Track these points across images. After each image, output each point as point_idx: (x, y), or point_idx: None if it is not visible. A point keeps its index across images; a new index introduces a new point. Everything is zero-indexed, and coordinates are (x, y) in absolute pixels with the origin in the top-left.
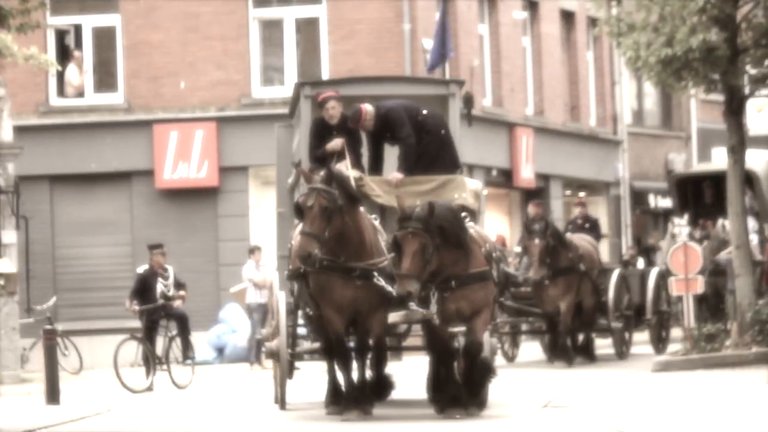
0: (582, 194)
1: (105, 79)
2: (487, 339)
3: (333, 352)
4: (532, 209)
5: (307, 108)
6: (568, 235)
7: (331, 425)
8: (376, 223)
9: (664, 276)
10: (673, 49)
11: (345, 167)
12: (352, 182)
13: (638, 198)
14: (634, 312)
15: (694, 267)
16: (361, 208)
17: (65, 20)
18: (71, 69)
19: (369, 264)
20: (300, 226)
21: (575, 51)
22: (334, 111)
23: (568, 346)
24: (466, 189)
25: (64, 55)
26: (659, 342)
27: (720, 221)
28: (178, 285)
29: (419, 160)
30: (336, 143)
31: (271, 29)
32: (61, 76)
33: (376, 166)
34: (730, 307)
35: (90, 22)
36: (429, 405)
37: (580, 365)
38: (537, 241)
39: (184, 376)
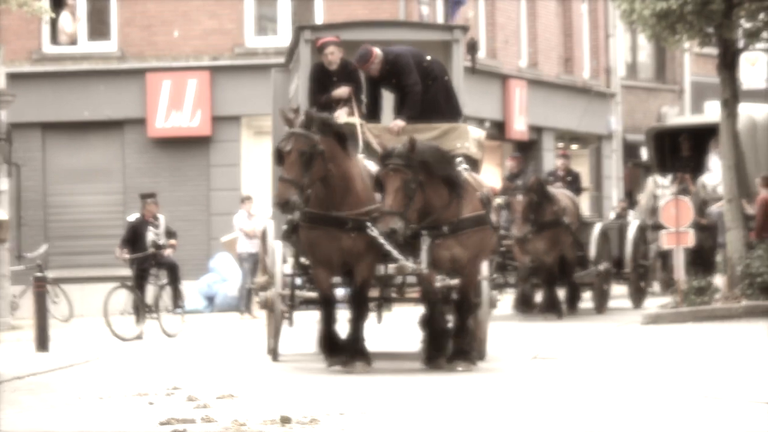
0: (561, 145)
1: (98, 27)
2: (486, 291)
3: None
4: (510, 162)
5: (306, 53)
6: (550, 188)
7: (323, 377)
8: (374, 169)
9: (643, 230)
10: (668, 2)
11: (348, 114)
12: (341, 126)
13: (631, 151)
14: (612, 265)
15: (685, 220)
16: (358, 155)
17: None
18: (65, 16)
19: (361, 213)
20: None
21: (570, 3)
22: (333, 57)
23: (557, 299)
24: (469, 138)
25: (57, 2)
26: (637, 296)
27: (700, 179)
28: (169, 234)
29: (423, 107)
30: (343, 90)
31: None
32: (54, 23)
33: (374, 113)
34: (721, 261)
35: None
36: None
37: (564, 319)
38: (520, 197)
39: (174, 324)
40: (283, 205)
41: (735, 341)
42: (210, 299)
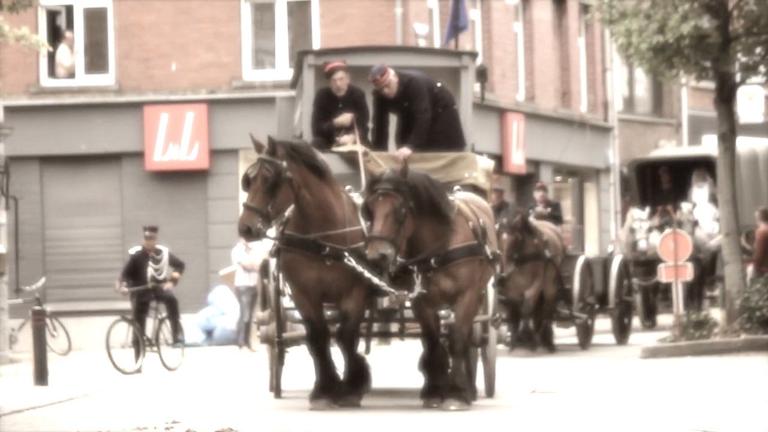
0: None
1: (96, 60)
2: (494, 327)
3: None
4: (492, 196)
5: (310, 78)
6: (532, 220)
7: (323, 413)
8: (358, 198)
9: (626, 264)
10: (665, 36)
11: (352, 141)
12: (318, 153)
13: (628, 184)
14: (596, 300)
15: (683, 254)
16: (346, 187)
17: (57, 1)
18: (62, 50)
19: (339, 241)
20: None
21: (567, 37)
22: (341, 82)
23: (532, 333)
24: (477, 167)
25: (55, 35)
26: (621, 331)
27: (683, 205)
28: (177, 265)
29: (431, 136)
30: (345, 118)
31: (263, 12)
32: (52, 56)
33: (381, 140)
34: (720, 294)
35: (81, 2)
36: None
37: (553, 354)
38: (505, 236)
39: (174, 358)
40: (245, 232)
41: (734, 375)
42: (208, 333)
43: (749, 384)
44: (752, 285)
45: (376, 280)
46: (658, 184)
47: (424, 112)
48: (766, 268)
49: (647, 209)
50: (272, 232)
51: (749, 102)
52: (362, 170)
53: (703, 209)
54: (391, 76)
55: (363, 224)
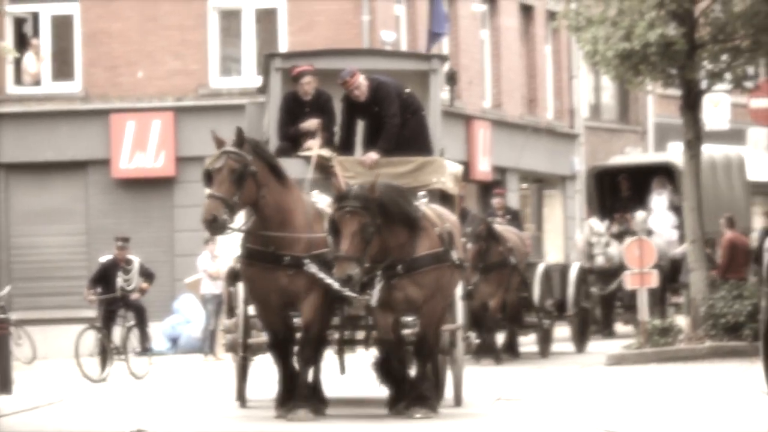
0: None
1: (62, 67)
2: (462, 334)
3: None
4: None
5: (277, 81)
6: (497, 227)
7: (287, 423)
8: (320, 204)
9: (584, 272)
10: (631, 44)
11: (318, 146)
12: (270, 154)
13: None
14: (555, 308)
15: (648, 261)
16: (311, 190)
17: (23, 8)
18: (29, 57)
19: (301, 250)
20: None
21: (534, 44)
22: (309, 86)
23: (495, 343)
24: (446, 172)
25: (21, 43)
26: (580, 339)
27: (637, 215)
28: (147, 275)
29: (399, 141)
30: (311, 123)
31: (230, 19)
32: (18, 63)
33: (348, 145)
34: (684, 301)
35: (48, 10)
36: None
37: (517, 362)
38: (470, 245)
39: (142, 366)
40: (210, 222)
41: (700, 382)
42: (174, 341)
43: (715, 390)
44: (717, 292)
45: (336, 286)
46: (618, 192)
47: (393, 117)
48: (731, 275)
49: (606, 222)
50: (237, 223)
51: (715, 109)
52: (310, 173)
53: (662, 217)
54: (361, 79)
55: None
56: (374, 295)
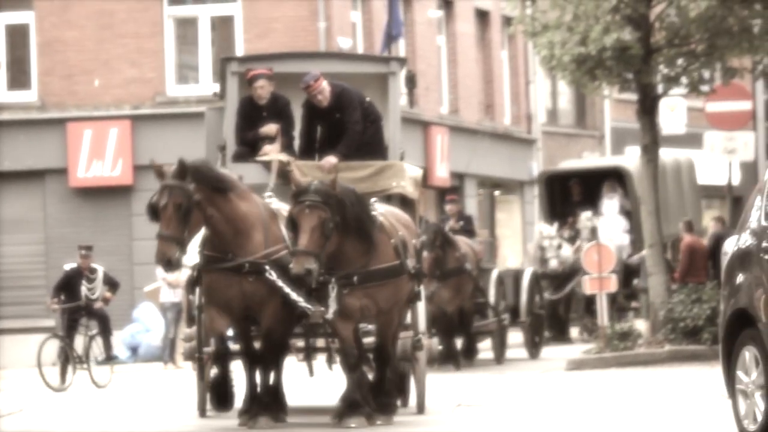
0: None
1: (18, 76)
2: (425, 342)
3: (247, 354)
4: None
5: (233, 86)
6: (450, 235)
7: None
8: (276, 206)
9: (537, 278)
10: (587, 48)
11: (275, 151)
12: (215, 172)
13: None
14: (509, 313)
15: (607, 265)
16: (265, 196)
17: None
18: None
19: (258, 256)
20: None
21: (490, 50)
22: (262, 91)
23: (456, 349)
24: (405, 176)
25: None
26: (533, 345)
27: (583, 214)
28: (111, 284)
29: (359, 148)
30: (270, 128)
31: (186, 27)
32: None
33: (309, 150)
34: (643, 306)
35: (3, 19)
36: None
37: (476, 368)
38: (426, 254)
39: (104, 375)
40: (165, 263)
41: (660, 386)
42: (133, 349)
43: (675, 395)
44: (676, 296)
45: (293, 296)
46: (569, 196)
47: (355, 124)
48: (690, 279)
49: (555, 224)
50: (189, 258)
51: (671, 113)
52: (272, 180)
53: (613, 221)
54: (324, 84)
55: (284, 233)
56: (330, 307)
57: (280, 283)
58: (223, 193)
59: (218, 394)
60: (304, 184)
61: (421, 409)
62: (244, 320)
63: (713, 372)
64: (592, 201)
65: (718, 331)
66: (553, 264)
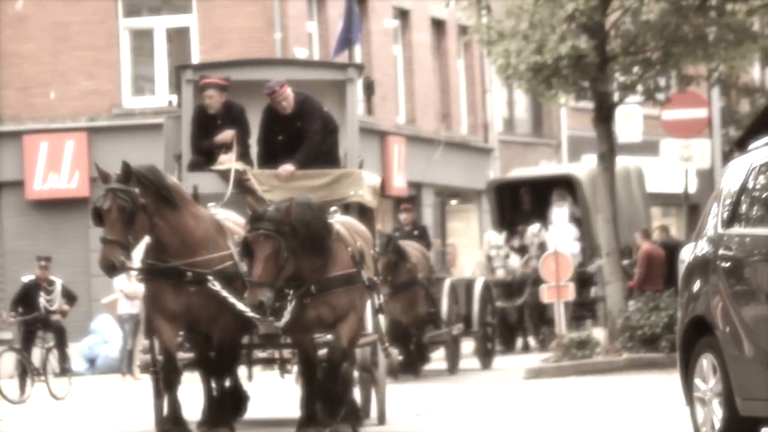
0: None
1: None
2: (382, 351)
3: (201, 364)
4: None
5: (189, 94)
6: (401, 244)
7: None
8: (224, 219)
9: (488, 287)
10: (543, 57)
11: (230, 160)
12: (161, 178)
13: None
14: (462, 323)
15: (565, 274)
16: (197, 206)
17: None
18: None
19: (204, 266)
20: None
21: (446, 59)
22: (211, 101)
23: (415, 358)
24: (363, 185)
25: None
26: (485, 355)
27: (529, 228)
28: (69, 297)
29: (316, 158)
30: (226, 135)
31: (142, 39)
32: None
33: (269, 158)
34: (600, 314)
35: None
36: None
37: (428, 378)
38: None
39: (62, 387)
40: (109, 268)
41: (619, 394)
42: (91, 361)
43: (634, 402)
44: (633, 304)
45: (240, 306)
46: (519, 205)
47: (315, 134)
48: (648, 287)
49: (503, 233)
50: (134, 262)
51: (628, 121)
52: (230, 187)
53: (563, 229)
54: (286, 95)
55: (231, 246)
56: (284, 317)
57: (224, 293)
58: (168, 201)
59: (172, 413)
60: (259, 211)
61: (381, 419)
62: (193, 330)
63: (671, 380)
64: (542, 209)
65: (675, 338)
66: (500, 273)
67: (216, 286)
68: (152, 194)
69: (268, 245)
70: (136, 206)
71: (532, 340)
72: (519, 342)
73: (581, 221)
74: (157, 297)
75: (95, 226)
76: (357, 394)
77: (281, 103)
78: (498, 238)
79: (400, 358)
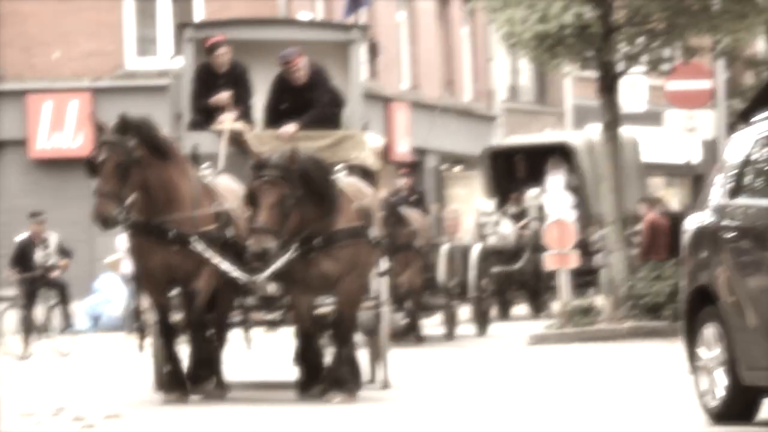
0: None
1: None
2: (386, 313)
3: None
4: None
5: (190, 52)
6: (401, 210)
7: (207, 402)
8: (215, 182)
9: (486, 253)
10: (548, 26)
11: (230, 120)
12: (156, 131)
13: None
14: (458, 289)
15: (568, 241)
16: (188, 166)
17: None
18: None
19: (188, 226)
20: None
21: (451, 26)
22: (223, 58)
23: (416, 323)
24: (366, 147)
25: None
26: (481, 321)
27: (529, 192)
28: (63, 252)
29: (319, 124)
30: (222, 97)
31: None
32: None
33: (274, 121)
34: (603, 282)
35: None
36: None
37: (429, 344)
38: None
39: (65, 344)
40: (103, 221)
41: (621, 362)
42: (95, 319)
43: (637, 370)
44: (637, 272)
45: (224, 265)
46: (513, 172)
47: (324, 105)
48: (652, 255)
49: (495, 200)
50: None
51: (632, 91)
52: (222, 151)
53: (558, 197)
54: (300, 66)
55: (217, 209)
56: (264, 274)
57: (208, 253)
58: (161, 156)
59: (173, 374)
60: (263, 158)
61: (385, 384)
62: (167, 289)
63: (674, 348)
64: (536, 177)
65: (678, 307)
66: (492, 240)
67: (199, 246)
68: (147, 147)
69: (273, 192)
70: (131, 159)
71: (526, 307)
72: (513, 309)
73: (577, 189)
74: (141, 254)
75: (89, 177)
76: (361, 357)
77: (295, 74)
78: (488, 204)
79: (403, 322)
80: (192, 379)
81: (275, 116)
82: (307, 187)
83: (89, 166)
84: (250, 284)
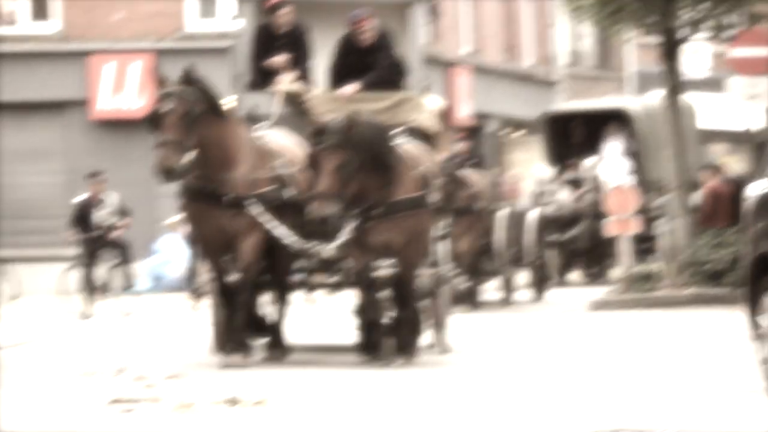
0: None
1: (40, 7)
2: (446, 279)
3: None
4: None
5: (250, 13)
6: (461, 172)
7: (270, 364)
8: (268, 141)
9: (544, 219)
10: None
11: (287, 81)
12: (212, 90)
13: None
14: (516, 254)
15: (630, 207)
16: (245, 127)
17: None
18: None
19: (245, 189)
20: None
21: None
22: (285, 18)
23: (474, 289)
24: (424, 110)
25: None
26: (539, 287)
27: (585, 162)
28: (123, 212)
29: (381, 86)
30: (279, 60)
31: None
32: None
33: (336, 83)
34: (664, 249)
35: None
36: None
37: (486, 309)
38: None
39: (126, 304)
40: (165, 172)
41: (683, 328)
42: (156, 280)
43: (699, 336)
44: (700, 239)
45: (280, 231)
46: (570, 138)
47: (387, 67)
48: (714, 223)
49: (556, 167)
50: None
51: (695, 58)
52: (276, 107)
53: (616, 163)
54: (368, 27)
55: (274, 172)
56: (334, 244)
57: (264, 217)
58: (219, 115)
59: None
60: (322, 124)
61: (445, 349)
62: (222, 253)
63: (735, 315)
64: (594, 143)
65: (740, 275)
66: (551, 208)
67: (255, 209)
68: (206, 103)
69: (333, 158)
70: (195, 112)
71: (581, 275)
72: (570, 276)
73: (636, 155)
74: (196, 220)
75: (150, 131)
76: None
77: (362, 35)
78: (546, 172)
79: (463, 286)
80: (236, 340)
81: (339, 77)
82: (367, 154)
83: (152, 118)
84: (310, 252)
